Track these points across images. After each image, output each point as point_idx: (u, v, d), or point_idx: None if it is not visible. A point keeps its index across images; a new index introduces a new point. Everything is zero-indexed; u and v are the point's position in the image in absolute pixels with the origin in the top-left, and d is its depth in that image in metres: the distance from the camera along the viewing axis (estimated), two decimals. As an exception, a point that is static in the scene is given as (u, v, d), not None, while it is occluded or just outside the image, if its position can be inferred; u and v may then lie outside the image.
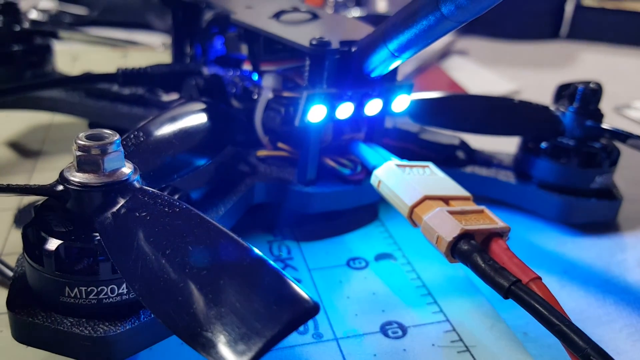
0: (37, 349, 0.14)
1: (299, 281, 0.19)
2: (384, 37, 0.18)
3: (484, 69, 0.42)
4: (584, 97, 0.22)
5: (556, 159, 0.22)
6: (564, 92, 0.23)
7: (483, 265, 0.15)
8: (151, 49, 0.46)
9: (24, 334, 0.14)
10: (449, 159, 0.24)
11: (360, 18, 0.39)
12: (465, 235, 0.16)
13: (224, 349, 0.10)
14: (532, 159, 0.23)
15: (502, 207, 0.23)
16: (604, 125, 0.22)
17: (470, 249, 0.15)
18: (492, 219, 0.16)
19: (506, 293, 0.14)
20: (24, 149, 0.28)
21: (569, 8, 0.50)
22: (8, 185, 0.14)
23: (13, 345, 0.14)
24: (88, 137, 0.14)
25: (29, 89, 0.26)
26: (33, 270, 0.14)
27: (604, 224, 0.23)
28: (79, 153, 0.14)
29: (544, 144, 0.23)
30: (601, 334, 0.18)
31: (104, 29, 0.50)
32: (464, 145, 0.24)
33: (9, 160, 0.27)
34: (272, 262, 0.11)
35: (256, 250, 0.12)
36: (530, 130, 0.23)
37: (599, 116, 0.22)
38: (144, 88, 0.27)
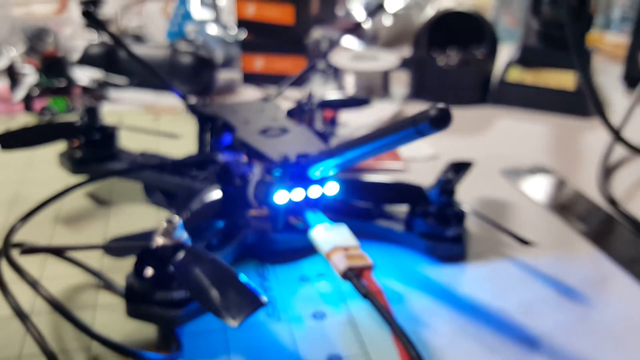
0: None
1: (266, 289, 0.35)
2: (331, 157, 0.33)
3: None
4: (443, 183, 0.38)
5: (425, 218, 0.38)
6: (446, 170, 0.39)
7: (356, 283, 0.30)
8: (177, 112, 0.62)
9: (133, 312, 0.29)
10: (368, 215, 0.40)
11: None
12: (350, 269, 0.31)
13: (227, 317, 0.26)
14: (413, 219, 0.39)
15: (395, 246, 0.39)
16: (454, 200, 0.38)
17: (352, 275, 0.31)
18: (366, 259, 0.32)
19: (364, 297, 0.30)
20: (100, 201, 0.44)
21: (495, 82, 0.66)
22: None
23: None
24: (167, 221, 0.30)
25: (114, 174, 0.42)
26: (142, 283, 0.29)
27: (457, 256, 0.39)
28: (161, 231, 0.29)
29: (418, 210, 0.38)
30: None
31: (140, 93, 0.66)
32: (376, 207, 0.40)
33: (88, 209, 0.43)
34: (248, 281, 0.27)
35: (243, 276, 0.27)
36: (412, 201, 0.39)
37: (451, 193, 0.38)
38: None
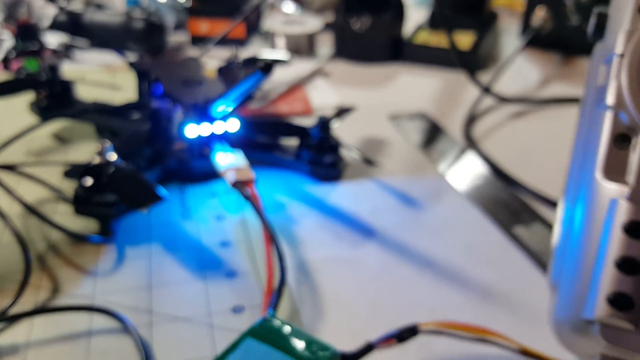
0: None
1: (184, 202, 0.47)
2: (222, 98, 0.45)
3: (330, 88, 0.69)
4: (321, 124, 0.50)
5: (308, 149, 0.50)
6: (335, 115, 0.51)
7: (241, 189, 0.42)
8: (129, 69, 0.73)
9: (79, 211, 0.41)
10: (267, 147, 0.52)
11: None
12: (239, 181, 0.43)
13: (139, 207, 0.38)
14: (300, 150, 0.50)
15: (288, 171, 0.51)
16: (332, 136, 0.50)
17: (238, 185, 0.43)
18: (250, 175, 0.44)
19: (245, 199, 0.42)
20: (62, 140, 0.56)
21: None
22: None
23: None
24: (101, 145, 0.41)
25: (69, 115, 0.53)
26: (84, 191, 0.41)
27: (333, 177, 0.51)
28: (96, 152, 0.41)
29: (303, 143, 0.50)
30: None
31: (99, 53, 0.77)
32: (274, 142, 0.52)
33: (51, 145, 0.54)
34: (155, 185, 0.39)
35: (152, 182, 0.39)
36: (299, 136, 0.51)
37: (327, 130, 0.50)
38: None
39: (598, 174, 0.27)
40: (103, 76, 0.71)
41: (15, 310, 0.35)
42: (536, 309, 0.36)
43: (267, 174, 0.50)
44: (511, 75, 0.72)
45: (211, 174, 0.49)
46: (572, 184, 0.30)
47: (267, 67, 0.38)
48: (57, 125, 0.57)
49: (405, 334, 0.31)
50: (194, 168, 0.48)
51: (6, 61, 0.72)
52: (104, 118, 0.53)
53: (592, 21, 0.32)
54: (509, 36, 0.88)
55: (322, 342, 0.29)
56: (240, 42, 0.80)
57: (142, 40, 0.75)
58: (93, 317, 0.35)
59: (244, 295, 0.37)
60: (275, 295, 0.34)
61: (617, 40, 0.28)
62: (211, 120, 0.47)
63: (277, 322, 0.30)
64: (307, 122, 0.53)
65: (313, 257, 0.41)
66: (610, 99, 0.28)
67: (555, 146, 0.56)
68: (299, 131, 0.50)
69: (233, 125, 0.48)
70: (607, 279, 0.26)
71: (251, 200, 0.41)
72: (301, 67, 0.73)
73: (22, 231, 0.41)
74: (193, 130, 0.47)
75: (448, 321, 0.33)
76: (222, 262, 0.40)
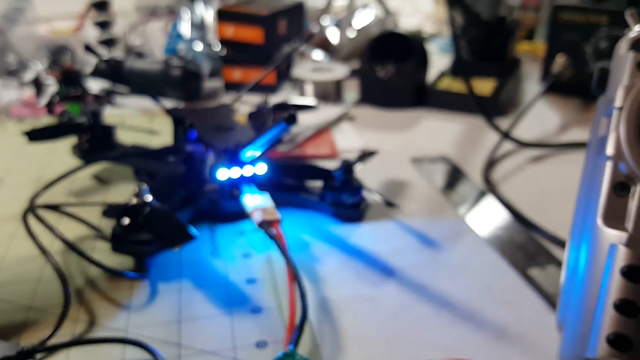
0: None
1: (214, 241, 0.49)
2: (250, 145, 0.47)
3: (355, 132, 0.71)
4: (344, 167, 0.52)
5: (331, 191, 0.52)
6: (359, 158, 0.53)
7: (266, 229, 0.44)
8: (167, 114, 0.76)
9: (116, 248, 0.44)
10: (293, 189, 0.54)
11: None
12: (265, 221, 0.45)
13: (171, 245, 0.40)
14: (324, 192, 0.52)
15: (312, 211, 0.53)
16: (354, 179, 0.52)
17: (264, 225, 0.45)
18: (276, 215, 0.46)
19: (270, 238, 0.44)
20: (102, 180, 0.58)
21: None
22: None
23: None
24: (137, 187, 0.44)
25: (108, 159, 0.56)
26: (121, 229, 0.43)
27: (355, 218, 0.52)
28: (133, 193, 0.43)
29: (327, 185, 0.52)
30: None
31: (138, 99, 0.80)
32: (299, 184, 0.54)
33: (91, 186, 0.57)
34: (188, 225, 0.41)
35: (185, 223, 0.41)
36: (323, 178, 0.53)
37: (350, 172, 0.52)
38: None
39: (599, 220, 0.29)
40: (142, 120, 0.75)
41: (53, 341, 0.37)
42: (548, 351, 0.37)
43: (293, 214, 0.52)
44: (531, 120, 0.73)
45: (240, 214, 0.51)
46: (577, 228, 0.31)
47: (291, 117, 0.40)
48: (97, 167, 0.60)
49: (419, 371, 0.33)
50: (224, 208, 0.51)
51: (50, 105, 0.76)
52: (141, 161, 0.56)
53: (595, 76, 0.34)
54: (531, 81, 0.89)
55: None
56: (271, 89, 0.83)
57: (179, 87, 0.79)
58: (126, 349, 0.37)
59: (267, 330, 0.39)
60: (296, 331, 0.35)
61: (617, 94, 0.30)
62: (241, 164, 0.49)
63: (297, 357, 0.32)
64: (332, 164, 0.55)
65: (334, 295, 0.42)
66: (610, 149, 0.29)
67: (573, 190, 0.57)
68: (323, 174, 0.52)
69: (261, 169, 0.51)
70: (607, 321, 0.27)
71: (276, 239, 0.43)
72: (328, 112, 0.75)
73: (62, 267, 0.44)
74: (224, 173, 0.49)
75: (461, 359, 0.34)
76: (248, 298, 0.42)
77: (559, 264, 0.45)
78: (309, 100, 0.74)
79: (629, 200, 0.29)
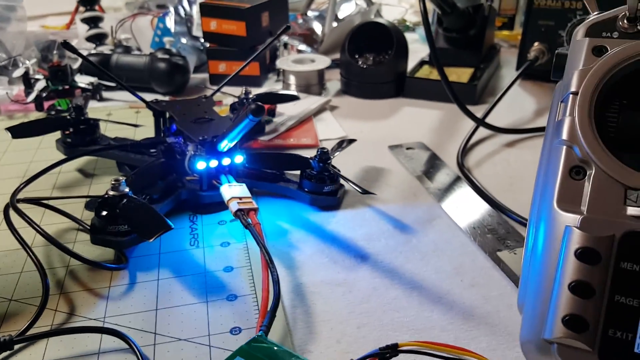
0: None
1: (193, 230, 0.48)
2: (225, 137, 0.47)
3: (335, 121, 0.70)
4: (320, 154, 0.51)
5: (309, 179, 0.51)
6: (337, 146, 0.52)
7: (242, 218, 0.44)
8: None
9: (95, 240, 0.43)
10: (273, 179, 0.53)
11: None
12: (241, 210, 0.44)
13: (146, 236, 0.39)
14: (302, 180, 0.52)
15: (291, 200, 0.52)
16: (332, 167, 0.51)
17: (240, 214, 0.44)
18: (253, 204, 0.45)
19: (245, 227, 0.43)
20: (85, 174, 0.58)
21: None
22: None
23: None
24: (114, 180, 0.43)
25: (91, 153, 0.55)
26: (99, 221, 0.43)
27: (332, 206, 0.52)
28: (110, 186, 0.43)
29: (305, 174, 0.51)
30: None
31: (126, 93, 0.79)
32: (278, 173, 0.54)
33: (78, 179, 0.57)
34: (163, 217, 0.41)
35: (160, 215, 0.41)
36: (301, 167, 0.52)
37: (326, 161, 0.51)
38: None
39: (554, 203, 0.28)
40: (128, 113, 0.74)
41: (32, 332, 0.36)
42: (513, 331, 0.37)
43: (272, 203, 0.52)
44: (507, 106, 0.72)
45: (220, 205, 0.50)
46: (535, 211, 0.30)
47: (258, 109, 0.39)
48: (81, 161, 0.59)
49: (386, 353, 0.32)
50: (204, 199, 0.50)
51: (39, 101, 0.75)
52: (123, 154, 0.55)
53: (554, 61, 0.33)
54: (510, 69, 0.89)
55: (305, 361, 0.30)
56: (256, 80, 0.82)
57: (165, 80, 0.78)
58: (103, 338, 0.36)
59: (242, 317, 0.38)
60: (268, 317, 0.35)
61: (572, 79, 0.29)
62: (218, 155, 0.48)
63: (266, 343, 0.31)
64: (311, 153, 0.54)
65: (309, 280, 0.42)
66: (565, 134, 0.29)
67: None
68: (301, 162, 0.52)
69: (238, 159, 0.50)
70: (563, 302, 0.27)
71: (251, 228, 0.42)
72: (310, 102, 0.74)
73: (43, 260, 0.43)
74: (202, 164, 0.48)
75: (428, 341, 0.34)
76: (224, 286, 0.41)
77: (528, 246, 0.45)
78: (291, 91, 0.73)
79: (585, 183, 0.28)
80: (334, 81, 0.83)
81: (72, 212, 0.49)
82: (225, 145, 0.47)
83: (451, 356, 0.33)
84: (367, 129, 0.68)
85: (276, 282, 0.37)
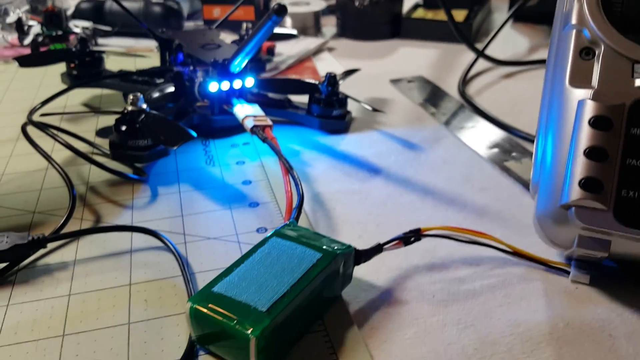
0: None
1: (207, 152, 0.50)
2: (238, 54, 0.49)
3: (335, 60, 0.73)
4: (329, 79, 0.53)
5: (317, 104, 0.53)
6: (343, 75, 0.54)
7: (259, 133, 0.46)
8: (150, 50, 0.77)
9: (115, 156, 0.45)
10: (281, 105, 0.55)
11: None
12: (257, 126, 0.47)
13: (171, 144, 0.42)
14: (310, 105, 0.54)
15: (300, 126, 0.55)
16: (339, 91, 0.53)
17: (256, 130, 0.46)
18: (268, 121, 0.47)
19: (263, 141, 0.45)
20: (92, 107, 0.59)
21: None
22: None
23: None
24: (132, 95, 0.45)
25: (99, 79, 0.57)
26: (119, 136, 0.45)
27: (341, 129, 0.54)
28: (129, 101, 0.45)
29: (313, 98, 0.54)
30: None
31: (121, 39, 0.81)
32: (287, 99, 0.56)
33: (84, 114, 0.58)
34: (185, 127, 0.43)
35: (182, 126, 0.43)
36: (309, 92, 0.54)
37: (334, 85, 0.53)
38: (147, 77, 0.58)
39: (567, 82, 0.31)
40: (124, 60, 0.75)
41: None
42: (525, 223, 0.40)
43: (281, 128, 0.54)
44: (501, 45, 0.75)
45: (231, 129, 0.53)
46: (546, 99, 0.33)
47: (282, 9, 0.41)
48: (87, 95, 0.61)
49: (410, 237, 0.35)
50: (216, 123, 0.52)
51: (34, 46, 0.76)
52: (129, 85, 0.57)
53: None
54: (502, 14, 0.91)
55: (339, 241, 0.32)
56: (251, 24, 0.83)
57: (159, 24, 0.79)
58: (133, 237, 0.38)
59: (266, 219, 0.41)
60: (295, 211, 0.37)
61: (581, -33, 0.32)
62: (230, 77, 0.50)
63: (299, 227, 0.34)
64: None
65: (326, 190, 0.44)
66: (574, 18, 0.31)
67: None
68: (309, 87, 0.54)
69: (249, 82, 0.52)
70: (579, 167, 0.30)
71: (268, 141, 0.45)
72: (308, 43, 0.76)
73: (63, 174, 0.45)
74: (214, 87, 0.50)
75: (450, 226, 0.37)
76: (245, 195, 0.44)
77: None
78: (289, 31, 0.75)
79: (594, 63, 0.31)
80: (328, 27, 0.85)
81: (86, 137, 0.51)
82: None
83: (474, 238, 0.36)
84: (367, 67, 0.70)
85: (297, 185, 0.40)
